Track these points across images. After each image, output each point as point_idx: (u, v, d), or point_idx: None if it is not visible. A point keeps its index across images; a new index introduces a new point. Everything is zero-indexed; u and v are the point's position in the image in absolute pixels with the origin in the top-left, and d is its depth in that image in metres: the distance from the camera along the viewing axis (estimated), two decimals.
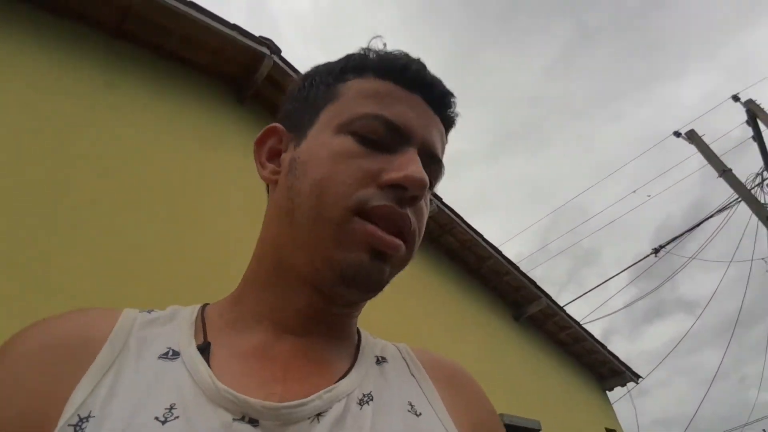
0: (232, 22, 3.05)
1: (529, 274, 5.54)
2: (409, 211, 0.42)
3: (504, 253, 5.14)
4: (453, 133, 0.51)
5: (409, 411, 0.42)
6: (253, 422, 0.35)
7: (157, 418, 0.34)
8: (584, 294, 10.53)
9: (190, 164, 2.87)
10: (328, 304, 0.44)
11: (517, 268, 5.35)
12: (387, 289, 0.45)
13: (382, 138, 0.43)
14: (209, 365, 0.38)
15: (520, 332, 5.82)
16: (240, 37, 3.08)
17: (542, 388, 5.66)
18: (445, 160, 0.48)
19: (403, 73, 0.46)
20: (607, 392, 7.82)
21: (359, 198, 0.41)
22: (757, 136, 7.74)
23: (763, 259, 8.82)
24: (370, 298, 0.45)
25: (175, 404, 0.35)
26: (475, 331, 4.70)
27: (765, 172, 7.87)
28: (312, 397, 0.38)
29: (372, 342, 0.50)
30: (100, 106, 2.61)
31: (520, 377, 5.20)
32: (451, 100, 0.49)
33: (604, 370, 7.65)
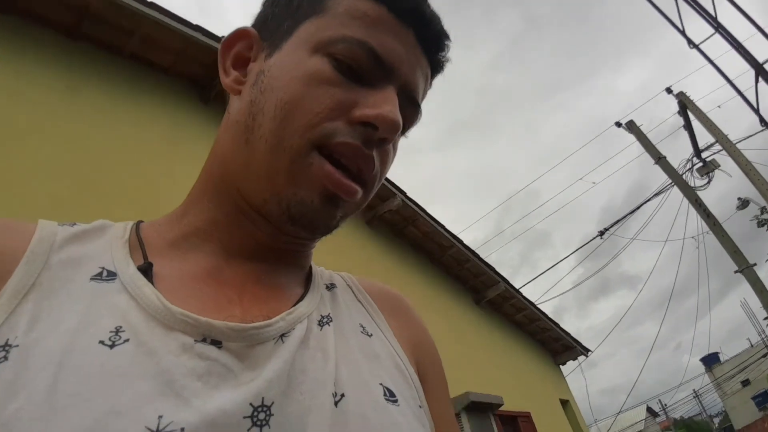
0: (193, 22, 3.03)
1: (486, 260, 5.83)
2: (374, 153, 0.40)
3: (461, 240, 5.39)
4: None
5: (361, 332, 0.43)
6: (216, 343, 0.33)
7: (102, 342, 0.30)
8: (537, 276, 11.11)
9: (158, 166, 2.86)
10: (277, 235, 0.42)
11: (477, 255, 5.62)
12: None
13: (362, 68, 0.39)
14: (155, 288, 0.35)
15: (480, 315, 6.14)
16: (203, 38, 3.07)
17: (503, 365, 6.01)
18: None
19: (398, 2, 0.41)
20: (561, 366, 8.39)
21: (324, 130, 0.37)
22: (687, 126, 8.41)
23: (693, 237, 9.67)
24: (318, 239, 0.44)
25: (121, 327, 0.32)
26: (439, 317, 4.93)
27: (694, 159, 8.59)
28: (276, 318, 0.37)
29: (320, 270, 0.49)
30: (61, 112, 2.55)
31: (482, 357, 5.51)
32: (446, 42, 0.44)
33: (557, 346, 8.19)
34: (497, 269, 6.00)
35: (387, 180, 4.54)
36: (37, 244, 0.35)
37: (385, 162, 0.42)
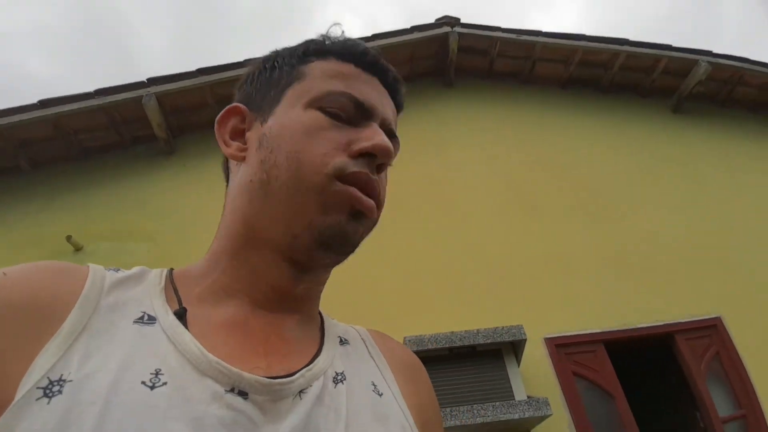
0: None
1: None
2: (377, 180, 0.46)
3: None
4: None
5: (373, 391, 0.45)
6: (243, 395, 0.36)
7: (144, 383, 0.34)
8: None
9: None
10: (301, 274, 0.46)
11: None
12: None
13: (348, 113, 0.46)
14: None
15: None
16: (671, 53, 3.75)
17: None
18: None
19: (363, 57, 0.50)
20: None
21: (336, 165, 0.44)
22: None
23: None
24: (341, 260, 0.47)
25: (161, 369, 0.35)
26: None
27: None
28: (297, 375, 0.40)
29: (333, 323, 0.53)
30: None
31: None
32: (401, 85, 0.54)
33: None
34: None
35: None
36: (89, 289, 0.40)
37: (384, 187, 0.49)
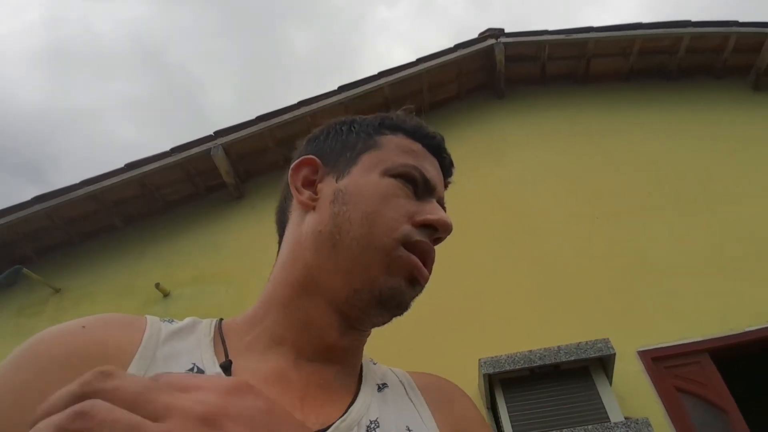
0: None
1: None
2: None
3: None
4: None
5: None
6: None
7: None
8: None
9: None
10: (348, 328, 0.48)
11: None
12: None
13: (417, 185, 0.51)
14: None
15: None
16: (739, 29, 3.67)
17: None
18: None
19: (430, 140, 0.55)
20: None
21: (404, 231, 0.47)
22: None
23: None
24: (388, 321, 0.50)
25: None
26: None
27: None
28: (331, 429, 0.41)
29: (372, 369, 0.54)
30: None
31: None
32: (453, 169, 0.60)
33: None
34: None
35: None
36: (147, 341, 0.43)
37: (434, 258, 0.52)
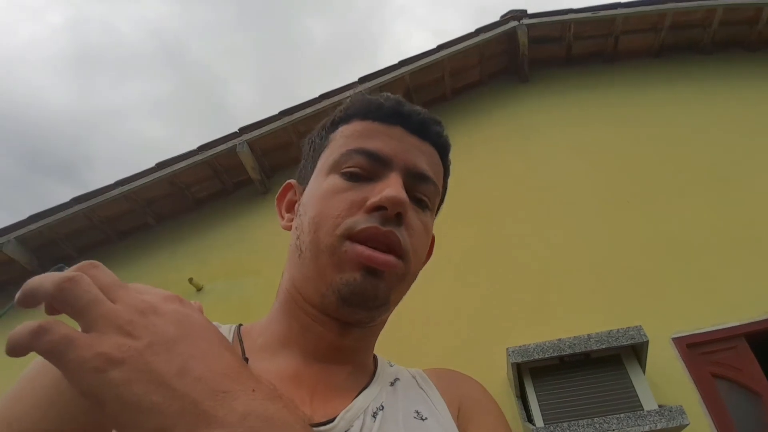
0: None
1: None
2: (397, 231, 0.46)
3: None
4: None
5: (415, 417, 0.47)
6: None
7: None
8: None
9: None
10: (345, 328, 0.48)
11: None
12: None
13: (365, 170, 0.48)
14: None
15: None
16: None
17: None
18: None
19: (380, 110, 0.52)
20: None
21: (346, 225, 0.46)
22: None
23: None
24: (375, 315, 0.48)
25: None
26: None
27: None
28: (336, 419, 0.42)
29: (388, 370, 0.54)
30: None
31: None
32: (433, 125, 0.53)
33: None
34: None
35: None
36: None
37: (415, 236, 0.49)
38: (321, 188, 0.49)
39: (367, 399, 0.46)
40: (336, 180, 0.49)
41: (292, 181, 0.58)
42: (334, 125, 0.54)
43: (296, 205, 0.55)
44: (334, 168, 0.50)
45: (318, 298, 0.47)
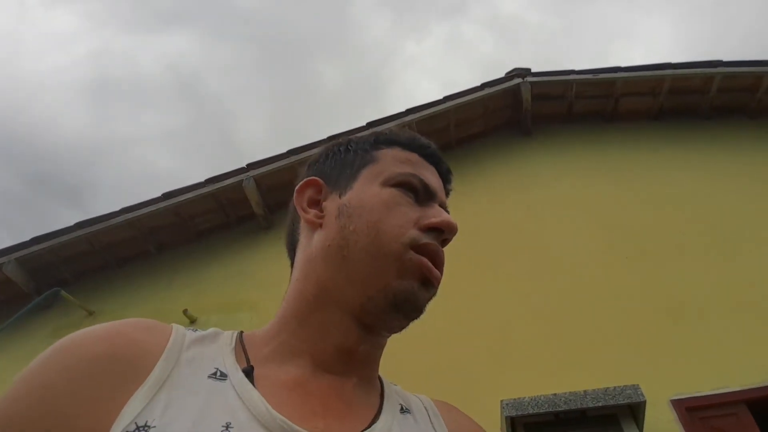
0: None
1: None
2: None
3: None
4: None
5: None
6: None
7: None
8: None
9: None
10: (365, 334, 0.50)
11: None
12: None
13: (417, 192, 0.53)
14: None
15: None
16: None
17: None
18: None
19: (425, 149, 0.58)
20: None
21: (411, 236, 0.49)
22: None
23: None
24: (405, 326, 0.51)
25: (230, 423, 0.39)
26: None
27: None
28: None
29: (394, 390, 0.54)
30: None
31: None
32: (451, 176, 0.61)
33: None
34: None
35: None
36: (173, 344, 0.45)
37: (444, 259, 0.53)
38: (380, 197, 0.51)
39: (383, 427, 0.46)
40: (395, 193, 0.52)
41: (317, 178, 0.57)
42: (377, 144, 0.58)
43: (325, 205, 0.55)
44: (389, 181, 0.53)
45: (360, 299, 0.48)
